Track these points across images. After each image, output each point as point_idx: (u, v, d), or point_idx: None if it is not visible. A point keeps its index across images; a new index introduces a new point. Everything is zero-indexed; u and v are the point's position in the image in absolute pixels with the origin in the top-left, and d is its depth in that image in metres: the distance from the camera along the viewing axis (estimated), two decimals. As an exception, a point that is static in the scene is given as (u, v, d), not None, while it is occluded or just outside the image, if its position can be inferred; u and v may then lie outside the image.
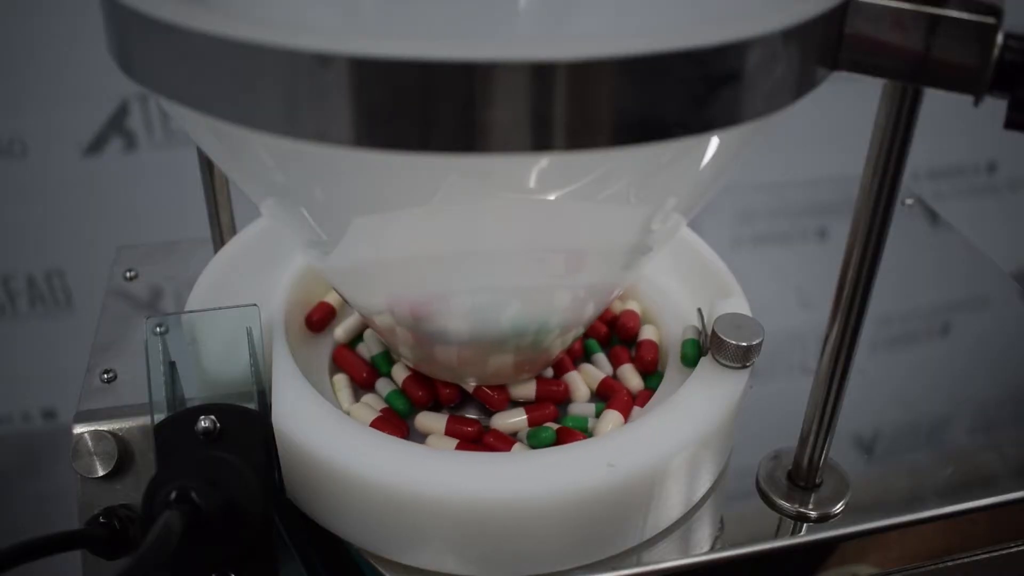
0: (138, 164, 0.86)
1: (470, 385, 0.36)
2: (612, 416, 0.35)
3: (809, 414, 0.33)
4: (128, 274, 0.46)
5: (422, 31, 0.33)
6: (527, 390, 0.37)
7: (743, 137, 0.25)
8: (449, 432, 0.35)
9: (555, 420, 0.36)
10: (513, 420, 0.35)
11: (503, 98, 0.20)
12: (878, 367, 0.43)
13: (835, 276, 0.30)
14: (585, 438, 0.34)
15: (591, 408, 0.36)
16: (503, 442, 0.34)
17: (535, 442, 0.34)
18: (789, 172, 0.60)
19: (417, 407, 0.36)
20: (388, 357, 0.38)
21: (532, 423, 0.35)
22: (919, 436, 0.39)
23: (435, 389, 0.36)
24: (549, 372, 0.38)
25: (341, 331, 0.39)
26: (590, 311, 0.34)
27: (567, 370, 0.38)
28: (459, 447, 0.34)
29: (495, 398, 0.36)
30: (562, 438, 0.34)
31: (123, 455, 0.34)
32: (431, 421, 0.35)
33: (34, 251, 0.89)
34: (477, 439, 0.35)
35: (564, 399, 0.37)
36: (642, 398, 0.37)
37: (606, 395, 0.37)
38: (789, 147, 0.70)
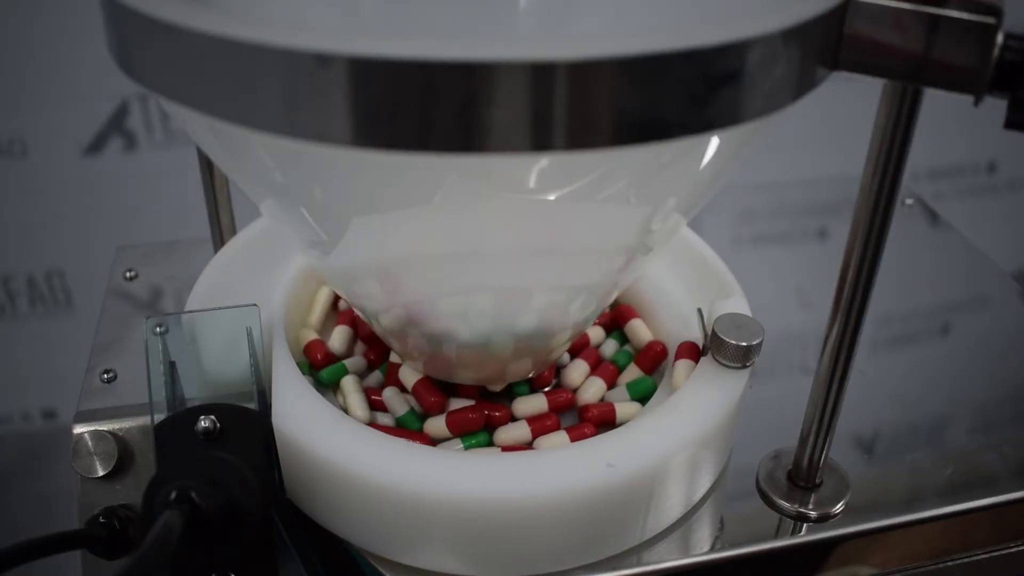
0: (138, 164, 0.86)
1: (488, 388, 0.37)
2: (640, 325, 0.39)
3: (809, 414, 0.33)
4: (128, 274, 0.46)
5: (422, 31, 0.33)
6: (580, 368, 0.38)
7: (743, 137, 0.25)
8: (537, 432, 0.35)
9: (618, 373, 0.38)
10: (594, 389, 0.37)
11: (503, 98, 0.20)
12: (878, 367, 0.43)
13: (835, 276, 0.30)
14: (664, 348, 0.38)
15: (614, 344, 0.40)
16: (606, 411, 0.35)
17: (639, 392, 0.36)
18: (789, 172, 0.60)
19: (481, 431, 0.35)
20: (416, 416, 0.36)
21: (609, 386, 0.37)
22: (919, 436, 0.39)
23: (482, 411, 0.35)
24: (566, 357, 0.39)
25: (360, 413, 0.35)
26: (591, 308, 0.34)
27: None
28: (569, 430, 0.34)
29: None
30: (648, 367, 0.38)
31: (123, 455, 0.34)
32: (514, 433, 0.35)
33: (34, 251, 0.89)
34: (571, 407, 0.36)
35: (599, 357, 0.39)
36: (624, 311, 0.41)
37: (605, 325, 0.41)
38: (789, 147, 0.70)
